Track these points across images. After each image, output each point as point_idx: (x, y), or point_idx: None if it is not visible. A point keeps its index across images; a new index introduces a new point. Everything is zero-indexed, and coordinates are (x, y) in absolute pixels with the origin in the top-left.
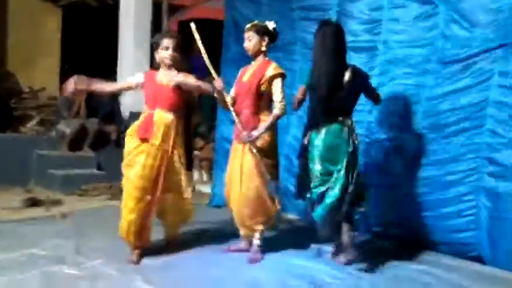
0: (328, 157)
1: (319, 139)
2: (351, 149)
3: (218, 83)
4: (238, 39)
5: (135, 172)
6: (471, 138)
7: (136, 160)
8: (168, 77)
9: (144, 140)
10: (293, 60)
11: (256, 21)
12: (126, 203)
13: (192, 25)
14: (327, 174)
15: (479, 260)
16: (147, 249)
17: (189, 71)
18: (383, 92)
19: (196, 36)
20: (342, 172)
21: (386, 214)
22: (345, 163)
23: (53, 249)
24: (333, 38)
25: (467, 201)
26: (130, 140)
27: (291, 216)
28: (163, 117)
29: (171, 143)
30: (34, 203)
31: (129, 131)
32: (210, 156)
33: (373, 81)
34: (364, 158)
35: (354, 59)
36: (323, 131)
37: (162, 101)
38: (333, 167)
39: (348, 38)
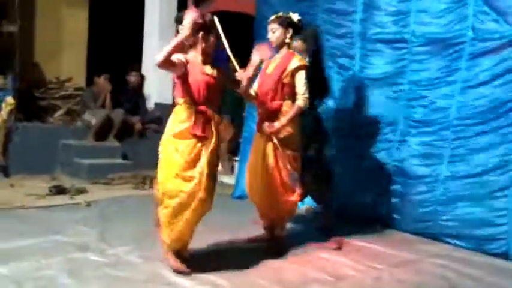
0: None
1: None
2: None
3: (241, 75)
4: None
5: (200, 171)
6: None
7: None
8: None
9: (200, 137)
10: None
11: (280, 13)
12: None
13: (216, 18)
14: None
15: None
16: None
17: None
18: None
19: (220, 29)
20: None
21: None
22: None
23: (77, 236)
24: None
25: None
26: (182, 142)
27: (312, 207)
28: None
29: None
30: (59, 190)
31: (175, 134)
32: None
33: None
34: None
35: (382, 50)
36: None
37: (214, 95)
38: None
39: (375, 29)
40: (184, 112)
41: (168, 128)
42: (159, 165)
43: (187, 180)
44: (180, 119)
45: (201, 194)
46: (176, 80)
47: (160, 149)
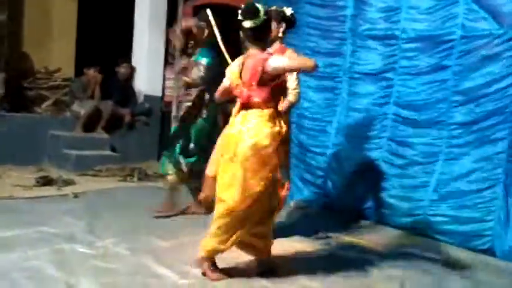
0: None
1: None
2: None
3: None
4: None
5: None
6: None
7: None
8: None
9: None
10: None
11: (274, 7)
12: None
13: (209, 11)
14: None
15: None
16: (160, 231)
17: None
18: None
19: (213, 22)
20: None
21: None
22: None
23: (65, 227)
24: None
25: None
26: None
27: (300, 202)
28: None
29: None
30: (47, 181)
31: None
32: None
33: (394, 71)
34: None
35: (372, 47)
36: None
37: None
38: None
39: (365, 26)
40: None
41: (260, 137)
42: (226, 182)
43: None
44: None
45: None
46: (269, 85)
47: (240, 163)
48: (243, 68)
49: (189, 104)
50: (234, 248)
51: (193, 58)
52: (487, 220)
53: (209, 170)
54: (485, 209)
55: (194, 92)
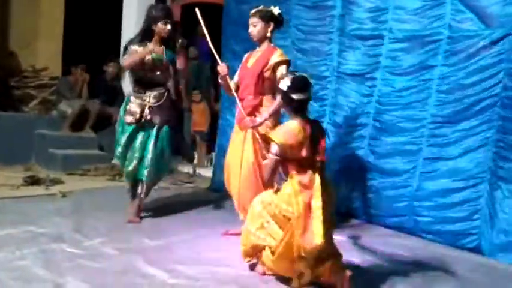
0: None
1: None
2: None
3: (222, 68)
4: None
5: None
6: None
7: None
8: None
9: None
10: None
11: (261, 7)
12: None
13: (197, 10)
14: None
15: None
16: (149, 230)
17: (197, 56)
18: (388, 82)
19: (201, 20)
20: None
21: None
22: None
23: (52, 227)
24: None
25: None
26: None
27: None
28: None
29: None
30: (34, 181)
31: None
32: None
33: (379, 71)
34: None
35: (359, 47)
36: None
37: None
38: None
39: (353, 26)
40: None
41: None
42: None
43: None
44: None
45: None
46: None
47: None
48: None
49: None
50: None
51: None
52: (474, 219)
53: None
54: (471, 207)
55: None
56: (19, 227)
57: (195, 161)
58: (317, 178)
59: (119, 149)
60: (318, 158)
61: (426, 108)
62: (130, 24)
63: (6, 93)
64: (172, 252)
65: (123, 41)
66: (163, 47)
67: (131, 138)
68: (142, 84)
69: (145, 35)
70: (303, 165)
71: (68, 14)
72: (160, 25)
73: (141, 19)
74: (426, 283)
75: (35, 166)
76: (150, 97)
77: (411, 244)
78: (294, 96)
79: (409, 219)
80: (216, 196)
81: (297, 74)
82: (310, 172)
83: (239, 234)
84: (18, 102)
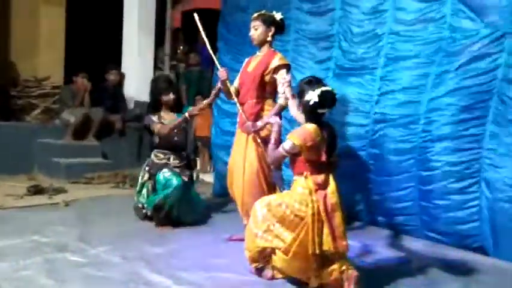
0: None
1: None
2: None
3: (222, 73)
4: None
5: None
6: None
7: None
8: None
9: None
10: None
11: (263, 11)
12: None
13: (195, 15)
14: None
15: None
16: (152, 237)
17: (199, 62)
18: (387, 83)
19: (200, 26)
20: None
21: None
22: None
23: (57, 236)
24: None
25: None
26: None
27: None
28: None
29: None
30: (38, 190)
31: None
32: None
33: (377, 72)
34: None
35: (358, 49)
36: None
37: None
38: None
39: (352, 28)
40: None
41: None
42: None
43: None
44: None
45: None
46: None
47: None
48: None
49: None
50: None
51: None
52: (477, 219)
53: None
54: (474, 207)
55: None
56: (23, 237)
57: (198, 167)
58: (331, 178)
59: None
60: (331, 160)
61: (427, 108)
62: (132, 31)
63: (8, 103)
64: (176, 259)
65: (124, 48)
66: (173, 113)
67: None
68: (164, 147)
69: (154, 107)
70: (318, 167)
71: (69, 23)
72: (164, 97)
73: (142, 26)
74: (431, 284)
75: (38, 175)
76: (171, 159)
77: (415, 245)
78: (320, 111)
79: (413, 220)
80: (219, 201)
81: (323, 87)
82: (324, 173)
83: (243, 239)
84: (21, 112)
